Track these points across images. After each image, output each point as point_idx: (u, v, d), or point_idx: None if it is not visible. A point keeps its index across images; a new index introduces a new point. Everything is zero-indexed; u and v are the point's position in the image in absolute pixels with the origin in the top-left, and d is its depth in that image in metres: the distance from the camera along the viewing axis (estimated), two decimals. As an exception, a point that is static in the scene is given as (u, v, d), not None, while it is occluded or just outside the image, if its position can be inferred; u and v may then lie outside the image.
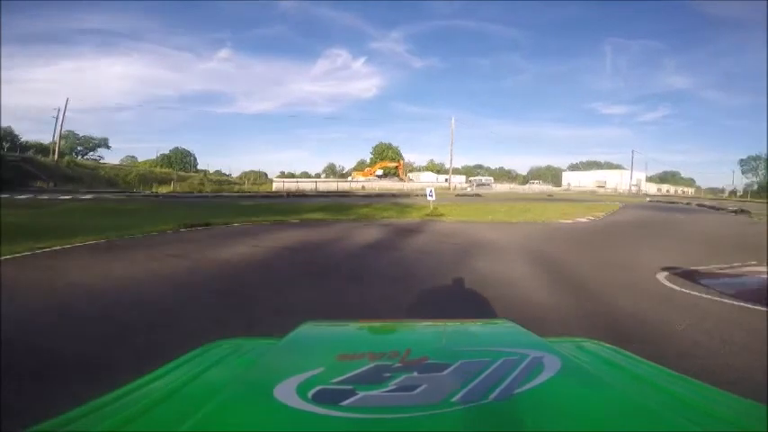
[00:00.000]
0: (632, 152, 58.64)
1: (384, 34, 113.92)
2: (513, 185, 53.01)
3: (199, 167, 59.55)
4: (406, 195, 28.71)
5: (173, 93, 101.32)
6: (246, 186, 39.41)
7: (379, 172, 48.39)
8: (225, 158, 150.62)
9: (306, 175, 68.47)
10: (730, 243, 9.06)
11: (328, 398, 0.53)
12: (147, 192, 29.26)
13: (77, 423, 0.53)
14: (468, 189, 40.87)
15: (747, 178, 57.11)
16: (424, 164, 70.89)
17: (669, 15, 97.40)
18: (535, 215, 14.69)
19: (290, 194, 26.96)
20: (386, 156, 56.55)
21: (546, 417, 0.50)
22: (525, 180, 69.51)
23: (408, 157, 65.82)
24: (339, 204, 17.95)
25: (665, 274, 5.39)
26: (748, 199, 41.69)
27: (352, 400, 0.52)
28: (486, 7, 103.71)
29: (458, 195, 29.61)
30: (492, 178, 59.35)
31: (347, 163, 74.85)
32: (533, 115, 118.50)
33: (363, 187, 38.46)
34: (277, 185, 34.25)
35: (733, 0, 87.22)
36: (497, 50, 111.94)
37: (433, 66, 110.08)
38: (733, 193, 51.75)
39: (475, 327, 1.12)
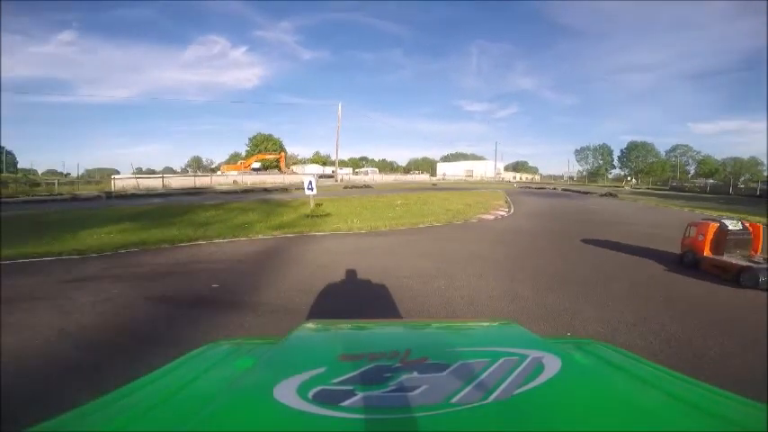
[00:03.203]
0: (496, 144, 66.52)
1: (273, 24, 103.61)
2: (397, 176, 53.42)
3: (20, 166, 51.36)
4: (284, 189, 23.81)
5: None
6: (56, 188, 27.67)
7: (257, 165, 41.57)
8: (72, 156, 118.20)
9: (170, 170, 61.26)
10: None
11: (328, 398, 0.51)
12: None
13: (77, 424, 0.52)
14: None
15: (581, 166, 69.82)
16: (310, 156, 66.02)
17: (522, 20, 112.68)
18: (442, 209, 11.95)
19: (112, 195, 18.86)
20: (265, 147, 49.47)
21: (546, 417, 0.49)
22: (407, 171, 71.95)
23: (293, 149, 61.26)
24: (172, 207, 12.00)
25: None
26: (586, 183, 51.24)
27: (352, 400, 0.51)
28: (376, 3, 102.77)
29: (346, 188, 26.19)
30: (375, 169, 58.68)
31: (221, 156, 65.10)
32: (411, 110, 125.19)
33: (235, 182, 31.60)
34: (120, 184, 24.62)
35: (572, 7, 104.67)
36: (383, 46, 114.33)
37: (322, 58, 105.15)
38: (570, 178, 62.38)
39: (475, 327, 1.09)
